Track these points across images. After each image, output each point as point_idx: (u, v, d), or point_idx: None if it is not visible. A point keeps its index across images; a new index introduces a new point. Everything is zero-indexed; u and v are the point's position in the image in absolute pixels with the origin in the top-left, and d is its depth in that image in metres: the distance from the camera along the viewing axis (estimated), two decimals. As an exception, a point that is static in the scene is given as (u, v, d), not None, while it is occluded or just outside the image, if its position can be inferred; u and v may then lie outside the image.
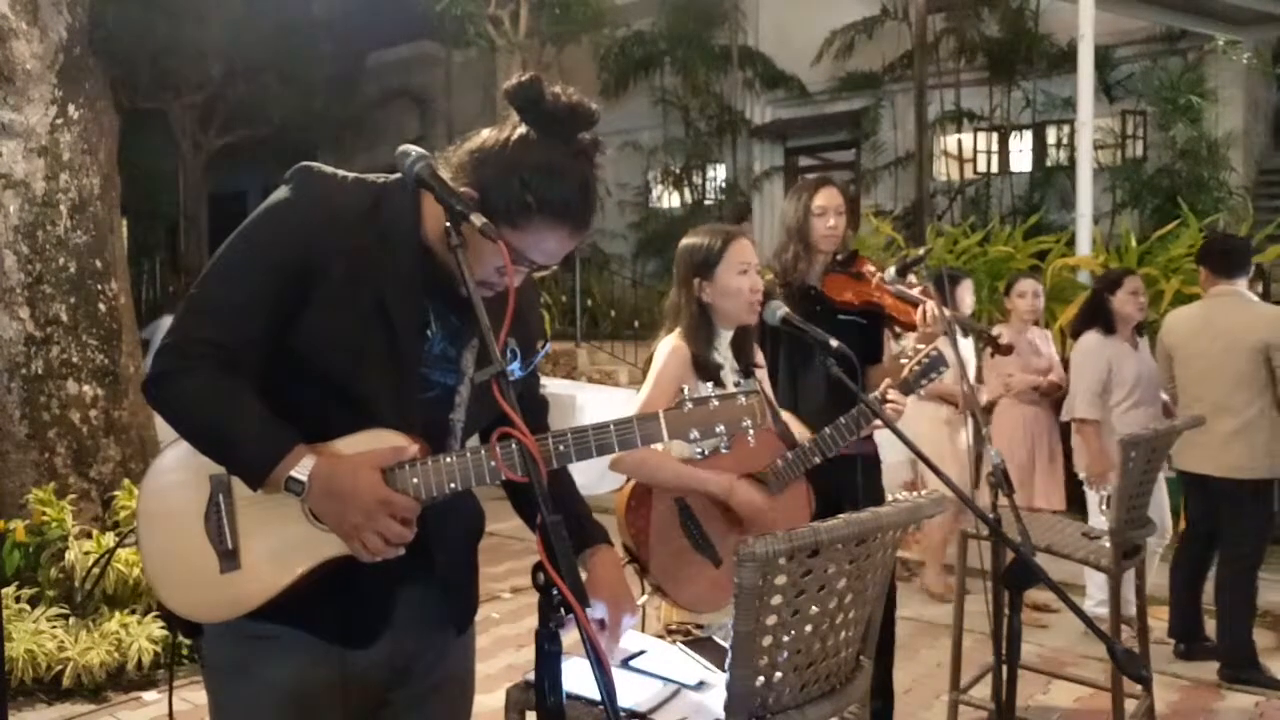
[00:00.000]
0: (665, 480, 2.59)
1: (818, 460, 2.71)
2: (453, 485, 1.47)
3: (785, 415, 2.84)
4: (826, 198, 3.19)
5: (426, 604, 1.62)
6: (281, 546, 1.49)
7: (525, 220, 1.48)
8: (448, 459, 1.47)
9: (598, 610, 1.65)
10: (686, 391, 1.53)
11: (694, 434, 1.50)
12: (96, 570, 4.18)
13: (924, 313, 3.00)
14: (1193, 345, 4.42)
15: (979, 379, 5.22)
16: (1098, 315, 4.68)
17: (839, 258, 3.21)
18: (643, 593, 2.64)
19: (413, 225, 1.53)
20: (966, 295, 5.25)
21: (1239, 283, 4.39)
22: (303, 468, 1.43)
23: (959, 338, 5.21)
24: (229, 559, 1.49)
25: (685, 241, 2.75)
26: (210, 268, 1.51)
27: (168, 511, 1.52)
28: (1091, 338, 4.65)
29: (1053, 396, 5.03)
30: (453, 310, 1.57)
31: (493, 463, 1.45)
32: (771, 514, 2.59)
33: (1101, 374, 4.57)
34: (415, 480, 1.46)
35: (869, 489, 3.05)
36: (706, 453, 2.60)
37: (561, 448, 1.47)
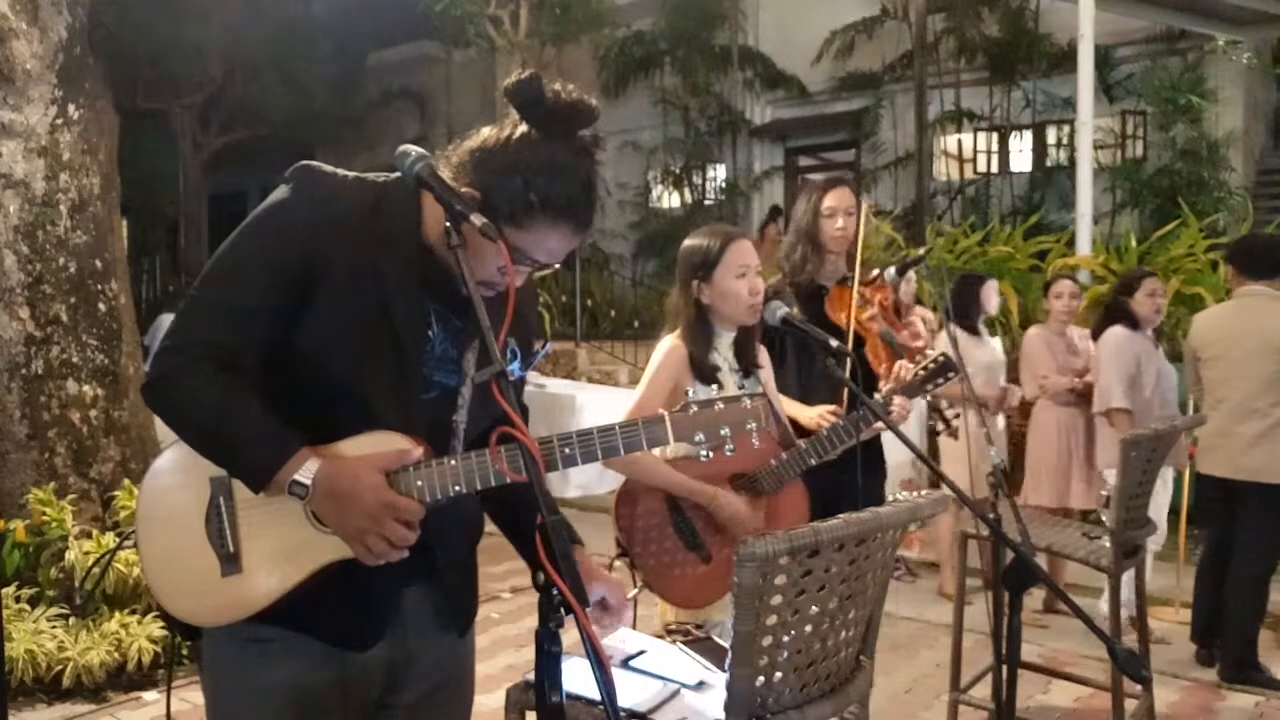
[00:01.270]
0: (654, 481, 2.60)
1: (814, 462, 2.71)
2: (457, 488, 1.47)
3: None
4: (836, 198, 3.19)
5: (427, 605, 1.62)
6: (283, 550, 1.48)
7: (529, 220, 1.47)
8: (452, 461, 1.47)
9: (598, 593, 1.66)
10: (691, 394, 1.53)
11: (699, 436, 1.50)
12: (97, 570, 4.18)
13: (895, 370, 2.93)
14: (1220, 346, 4.38)
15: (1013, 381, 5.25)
16: (1117, 316, 4.69)
17: (849, 275, 3.18)
18: (634, 588, 2.64)
19: (414, 225, 1.52)
20: (992, 296, 5.30)
21: (1270, 283, 4.34)
22: (306, 471, 1.42)
23: (986, 337, 5.27)
24: (230, 562, 1.48)
25: (686, 243, 2.76)
26: (210, 268, 1.50)
27: (168, 514, 1.51)
28: (1119, 330, 4.64)
29: (1089, 396, 5.03)
30: (454, 311, 1.56)
31: (496, 465, 1.45)
32: (755, 523, 2.60)
33: (1131, 365, 4.57)
34: (420, 483, 1.46)
35: (869, 490, 3.05)
36: (711, 454, 2.60)
37: (567, 450, 1.47)
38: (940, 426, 2.92)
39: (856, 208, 3.21)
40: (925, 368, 2.82)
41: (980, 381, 5.14)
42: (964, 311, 5.23)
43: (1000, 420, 5.26)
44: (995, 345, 5.37)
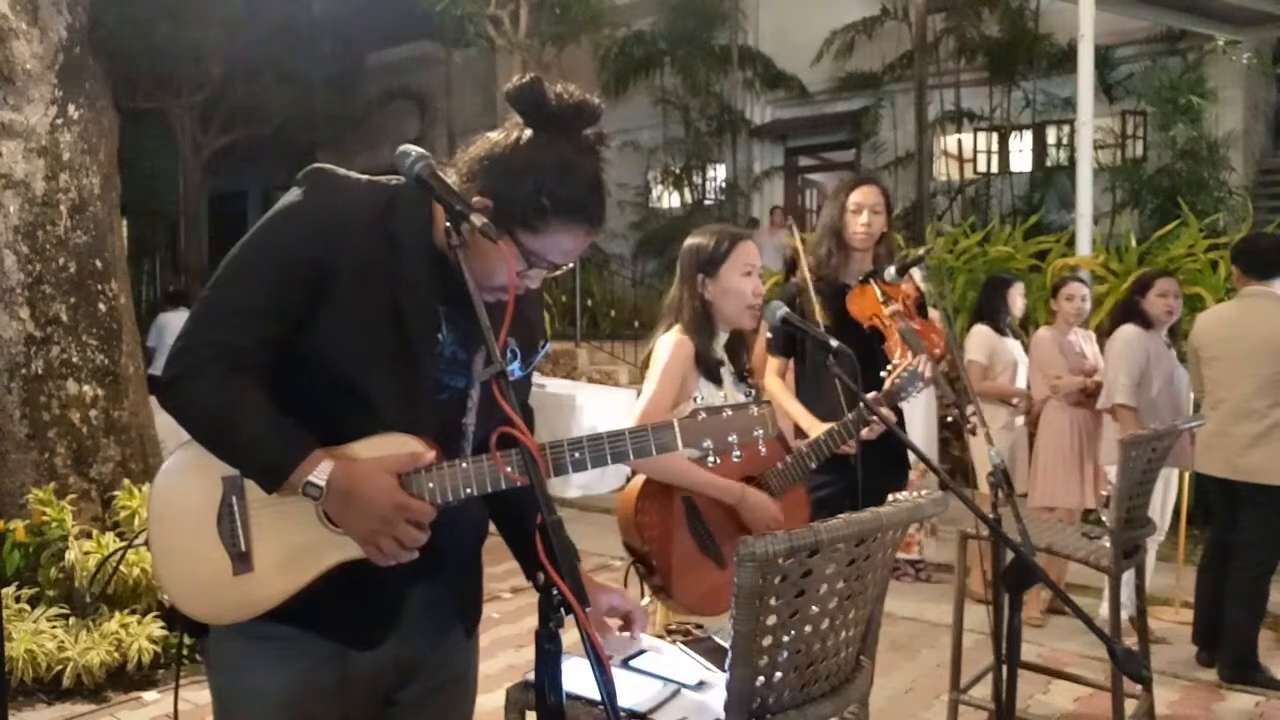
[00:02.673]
0: (675, 478, 2.58)
1: (814, 465, 2.73)
2: (468, 490, 1.47)
3: None
4: (863, 195, 3.22)
5: (434, 605, 1.62)
6: (295, 549, 1.48)
7: (542, 222, 1.47)
8: (463, 464, 1.47)
9: (612, 599, 1.70)
10: (699, 396, 1.54)
11: (707, 443, 1.50)
12: (108, 568, 4.17)
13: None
14: (1220, 345, 4.37)
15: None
16: (1130, 315, 4.69)
17: (877, 270, 3.20)
18: (643, 596, 2.64)
19: (424, 228, 1.52)
20: (1017, 298, 5.32)
21: (1274, 284, 4.33)
22: (320, 472, 1.43)
23: (1009, 339, 5.30)
24: (242, 561, 1.48)
25: (691, 239, 2.76)
26: (222, 270, 1.50)
27: (179, 512, 1.51)
28: (1131, 329, 4.64)
29: (1099, 397, 5.02)
30: (463, 314, 1.56)
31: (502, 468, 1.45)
32: (780, 518, 2.60)
33: (1141, 362, 4.56)
34: (431, 485, 1.46)
35: (892, 487, 3.05)
36: (719, 460, 2.60)
37: (577, 455, 1.47)
38: (966, 425, 2.97)
39: (884, 207, 3.24)
40: (899, 376, 2.89)
41: (1005, 379, 5.17)
42: (991, 313, 5.26)
43: (1019, 420, 5.27)
44: (1016, 345, 5.38)
